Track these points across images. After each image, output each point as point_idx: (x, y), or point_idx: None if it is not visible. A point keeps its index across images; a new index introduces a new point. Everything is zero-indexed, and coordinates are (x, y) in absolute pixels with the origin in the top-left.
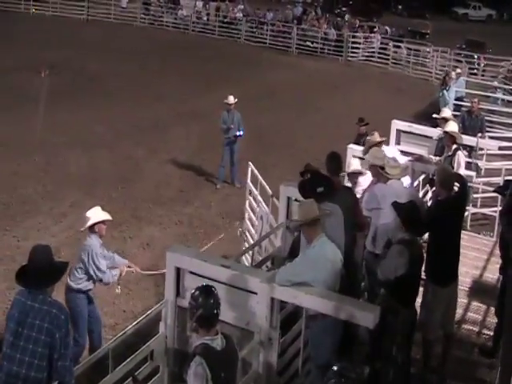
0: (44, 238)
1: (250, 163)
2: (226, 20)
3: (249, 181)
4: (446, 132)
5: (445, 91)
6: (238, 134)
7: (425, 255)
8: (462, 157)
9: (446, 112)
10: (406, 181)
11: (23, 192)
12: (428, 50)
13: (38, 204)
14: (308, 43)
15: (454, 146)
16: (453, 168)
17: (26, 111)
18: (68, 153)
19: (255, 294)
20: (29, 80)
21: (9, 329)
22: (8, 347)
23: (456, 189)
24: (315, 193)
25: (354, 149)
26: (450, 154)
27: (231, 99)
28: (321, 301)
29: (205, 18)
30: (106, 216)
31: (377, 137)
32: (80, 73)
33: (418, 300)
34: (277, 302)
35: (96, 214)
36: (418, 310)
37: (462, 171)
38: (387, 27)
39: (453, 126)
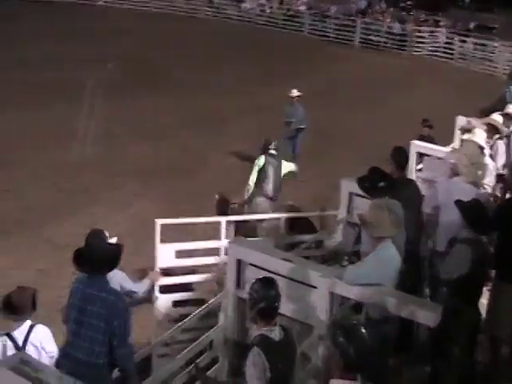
0: (107, 227)
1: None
2: (289, 13)
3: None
4: (488, 123)
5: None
6: (300, 127)
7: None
8: (500, 145)
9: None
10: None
11: (86, 181)
12: (495, 44)
13: (101, 193)
14: (371, 37)
15: (496, 136)
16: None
17: (91, 102)
18: (131, 143)
19: (315, 288)
20: (95, 71)
21: (71, 318)
22: (72, 335)
23: None
24: (376, 187)
25: (417, 145)
26: (491, 143)
27: (295, 92)
28: (382, 298)
29: (268, 11)
30: None
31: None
32: (145, 64)
33: (483, 301)
34: (337, 297)
35: None
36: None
37: (501, 160)
38: (453, 21)
39: (495, 117)
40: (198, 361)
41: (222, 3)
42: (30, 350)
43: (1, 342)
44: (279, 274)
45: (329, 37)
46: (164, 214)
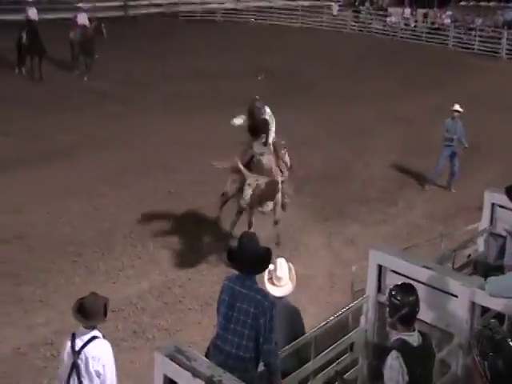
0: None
1: None
2: (433, 26)
3: None
4: None
5: None
6: (462, 143)
7: None
8: None
9: None
10: None
11: None
12: None
13: None
14: None
15: None
16: None
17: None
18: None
19: (455, 296)
20: (247, 83)
21: (221, 312)
22: (221, 329)
23: None
24: None
25: None
26: None
27: (457, 107)
28: None
29: (412, 25)
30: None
31: None
32: (294, 77)
33: None
34: (478, 307)
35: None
36: None
37: None
38: None
39: None
40: (337, 362)
41: (367, 18)
42: (82, 358)
43: (68, 339)
44: (420, 281)
45: (474, 49)
46: (305, 220)
